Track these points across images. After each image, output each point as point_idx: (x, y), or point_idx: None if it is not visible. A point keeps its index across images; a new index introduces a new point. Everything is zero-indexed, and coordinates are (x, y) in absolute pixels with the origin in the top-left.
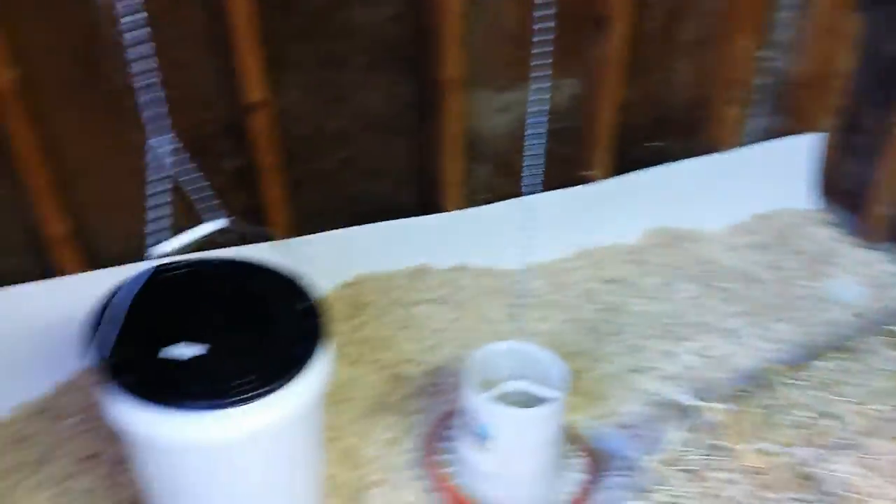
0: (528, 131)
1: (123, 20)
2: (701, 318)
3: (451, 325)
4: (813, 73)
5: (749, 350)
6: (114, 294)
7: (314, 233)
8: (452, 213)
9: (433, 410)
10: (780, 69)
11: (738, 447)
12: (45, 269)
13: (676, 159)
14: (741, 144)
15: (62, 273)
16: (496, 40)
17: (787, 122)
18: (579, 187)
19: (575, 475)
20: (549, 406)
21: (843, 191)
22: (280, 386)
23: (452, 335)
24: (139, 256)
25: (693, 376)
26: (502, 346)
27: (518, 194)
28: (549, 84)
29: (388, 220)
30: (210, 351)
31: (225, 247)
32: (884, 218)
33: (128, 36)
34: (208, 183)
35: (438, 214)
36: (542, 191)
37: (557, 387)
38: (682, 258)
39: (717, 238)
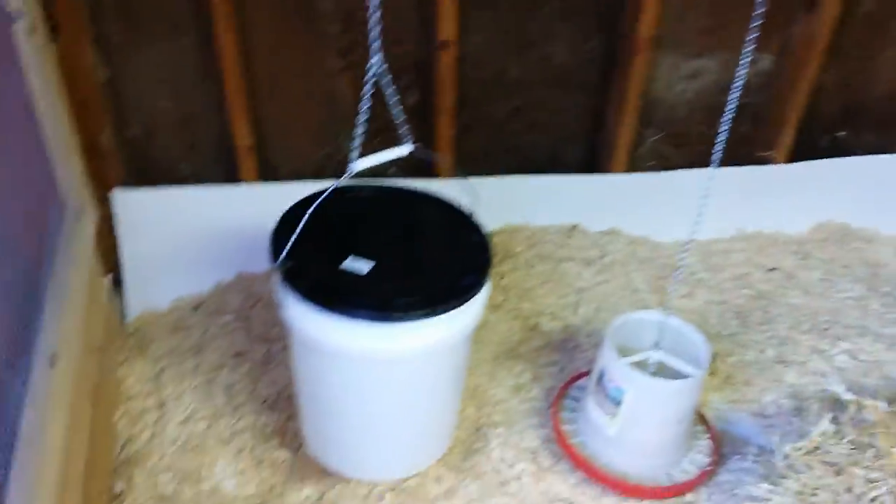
0: (727, 101)
1: None
2: (860, 320)
3: (595, 287)
4: None
5: None
6: (299, 205)
7: (474, 177)
8: (615, 175)
9: (563, 366)
10: None
11: (889, 448)
12: (226, 175)
13: (862, 153)
14: None
15: (240, 181)
16: (696, 4)
17: None
18: (754, 167)
19: (697, 456)
20: (687, 382)
21: None
22: (444, 310)
23: (594, 297)
24: (312, 176)
25: (842, 378)
26: (648, 314)
27: (685, 166)
28: (750, 57)
29: (550, 173)
30: (383, 269)
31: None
32: None
33: None
34: (401, 108)
35: (601, 175)
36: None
37: (697, 364)
38: (848, 257)
39: (890, 241)
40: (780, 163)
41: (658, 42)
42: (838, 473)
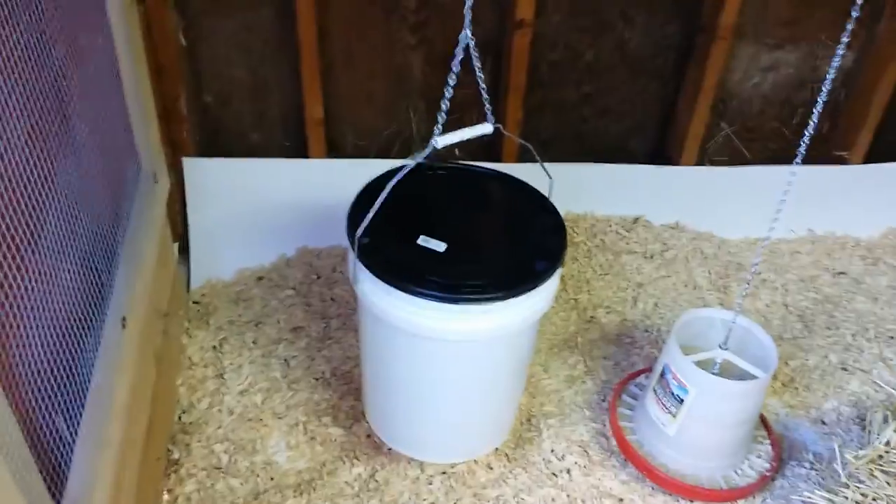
0: (815, 99)
1: None
2: None
3: (655, 282)
4: None
5: None
6: (376, 182)
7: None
8: (684, 167)
9: (617, 360)
10: None
11: None
12: (293, 148)
13: None
14: None
15: (307, 155)
16: None
17: None
18: (828, 167)
19: (756, 460)
20: (753, 383)
21: None
22: (515, 294)
23: (653, 292)
24: (378, 154)
25: None
26: (716, 312)
27: (756, 162)
28: (842, 51)
29: (616, 162)
30: (454, 249)
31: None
32: None
33: None
34: (486, 87)
35: (669, 167)
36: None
37: (763, 366)
38: None
39: None
40: (855, 163)
41: (739, 31)
42: None
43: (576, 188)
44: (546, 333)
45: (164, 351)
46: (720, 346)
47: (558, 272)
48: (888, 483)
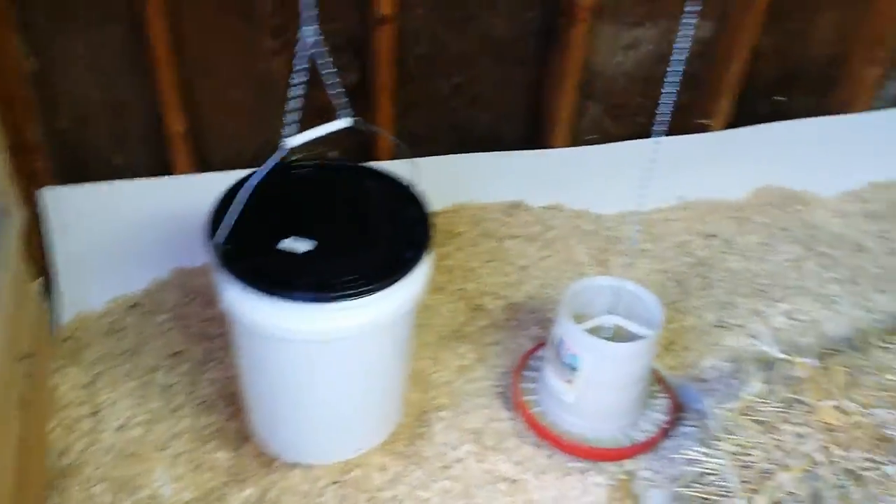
0: (668, 71)
1: None
2: (798, 281)
3: (538, 264)
4: None
5: (843, 318)
6: (237, 186)
7: (417, 156)
8: (556, 150)
9: (506, 345)
10: None
11: (817, 403)
12: (158, 166)
13: (800, 117)
14: (872, 108)
15: (174, 172)
16: None
17: None
18: (693, 136)
19: (655, 415)
20: (642, 343)
21: None
22: (382, 287)
23: (538, 273)
24: (249, 165)
25: (780, 338)
26: (602, 280)
27: (626, 137)
28: (694, 23)
29: (490, 150)
30: (322, 247)
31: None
32: None
33: None
34: (338, 80)
35: (542, 150)
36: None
37: (652, 326)
38: (787, 219)
39: (827, 203)
40: (718, 130)
41: (597, 12)
42: (769, 431)
43: (455, 179)
44: (434, 326)
45: (30, 395)
46: (609, 312)
47: (427, 260)
48: (760, 432)
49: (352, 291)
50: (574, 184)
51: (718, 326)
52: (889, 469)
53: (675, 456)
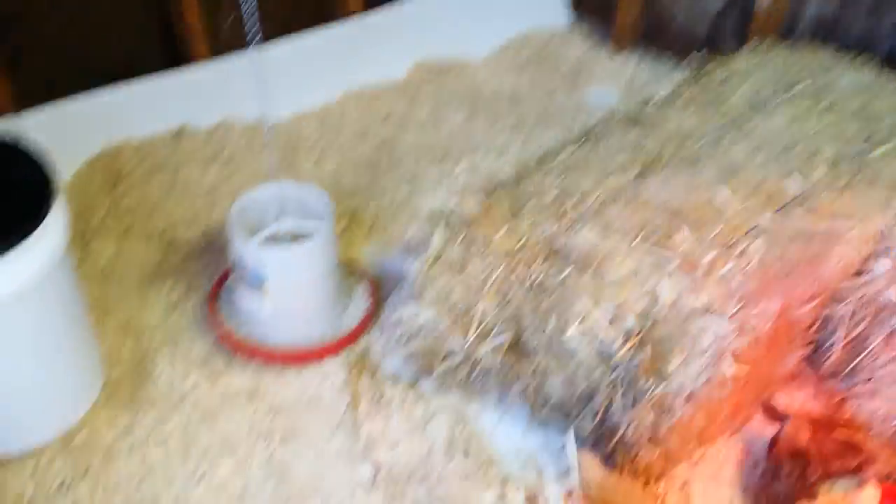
0: None
1: None
2: (471, 140)
3: (223, 184)
4: None
5: (516, 161)
6: None
7: (46, 104)
8: (205, 64)
9: (213, 270)
10: None
11: (492, 235)
12: None
13: None
14: None
15: None
16: None
17: None
18: (337, 25)
19: (358, 302)
20: (317, 237)
21: (594, 4)
22: (4, 250)
23: (225, 193)
24: None
25: (466, 193)
26: (264, 189)
27: (273, 37)
28: None
29: (132, 79)
30: None
31: None
32: (631, 25)
33: None
34: None
35: (190, 68)
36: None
37: (323, 218)
38: (450, 87)
39: (480, 64)
40: (357, 13)
41: None
42: (461, 270)
43: (103, 118)
44: (131, 272)
45: None
46: (278, 217)
47: (56, 212)
48: (453, 275)
49: None
50: (235, 96)
51: (411, 198)
52: (566, 272)
53: (392, 321)
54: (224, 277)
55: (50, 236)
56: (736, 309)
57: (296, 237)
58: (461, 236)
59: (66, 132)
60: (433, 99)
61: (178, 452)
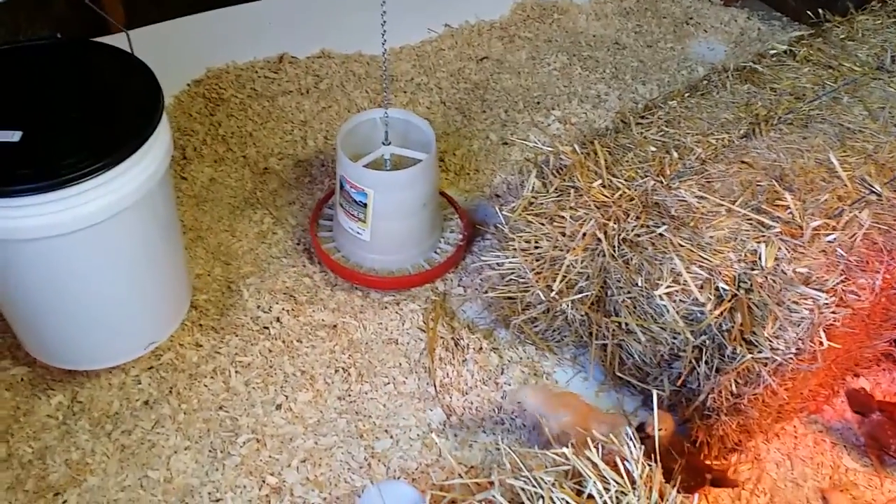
0: None
1: None
2: (568, 87)
3: (318, 116)
4: None
5: (612, 113)
6: None
7: (153, 24)
8: None
9: (303, 203)
10: None
11: (586, 185)
12: None
13: None
14: None
15: None
16: None
17: None
18: None
19: (450, 235)
20: (419, 167)
21: None
22: (113, 163)
23: (320, 125)
24: None
25: (560, 142)
26: (371, 113)
27: None
28: None
29: (235, 4)
30: (39, 134)
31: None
32: None
33: None
34: None
35: None
36: None
37: (426, 148)
38: (549, 31)
39: (583, 8)
40: None
41: None
42: (551, 221)
43: (204, 42)
44: (223, 198)
45: None
46: (383, 143)
47: (162, 131)
48: (543, 224)
49: (79, 173)
50: (337, 27)
51: (503, 144)
52: (660, 230)
53: (475, 267)
54: (324, 200)
55: (154, 153)
56: (837, 281)
57: (398, 164)
58: (553, 186)
59: (172, 53)
60: (531, 42)
61: (259, 380)
